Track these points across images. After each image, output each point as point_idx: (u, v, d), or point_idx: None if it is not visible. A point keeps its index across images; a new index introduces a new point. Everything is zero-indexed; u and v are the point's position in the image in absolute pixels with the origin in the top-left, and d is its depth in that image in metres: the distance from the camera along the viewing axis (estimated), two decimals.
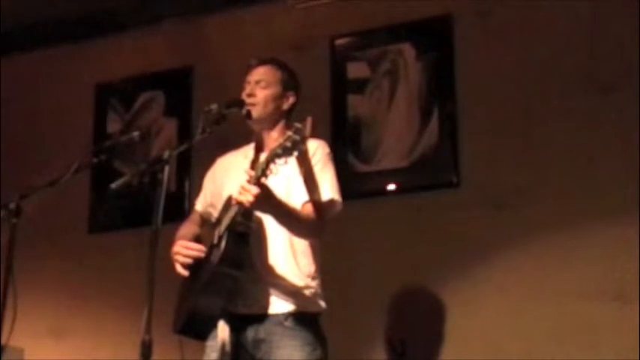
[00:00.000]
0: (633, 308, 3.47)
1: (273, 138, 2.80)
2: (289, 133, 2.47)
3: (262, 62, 2.99)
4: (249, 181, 2.56)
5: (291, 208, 2.74)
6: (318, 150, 2.84)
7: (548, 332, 3.60)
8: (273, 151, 2.49)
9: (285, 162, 2.48)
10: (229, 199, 2.74)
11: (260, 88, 2.92)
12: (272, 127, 2.93)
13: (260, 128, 2.94)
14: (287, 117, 2.95)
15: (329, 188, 2.81)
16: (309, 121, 2.48)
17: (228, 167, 3.01)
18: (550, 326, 3.61)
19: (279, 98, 2.94)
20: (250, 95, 2.91)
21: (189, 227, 3.04)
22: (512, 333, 3.66)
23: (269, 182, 2.60)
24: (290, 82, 2.99)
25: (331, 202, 2.81)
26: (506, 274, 3.77)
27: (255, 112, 2.90)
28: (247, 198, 2.55)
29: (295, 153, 2.46)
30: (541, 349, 3.58)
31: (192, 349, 2.81)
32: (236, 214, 2.64)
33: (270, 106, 2.92)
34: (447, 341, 3.78)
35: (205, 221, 3.03)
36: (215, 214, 2.91)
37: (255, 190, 2.54)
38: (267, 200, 2.61)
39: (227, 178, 2.93)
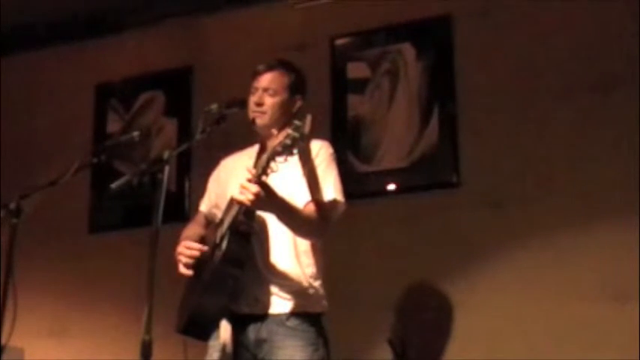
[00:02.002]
0: (633, 308, 3.47)
1: (279, 136, 2.79)
2: (289, 130, 2.47)
3: (269, 68, 2.96)
4: (250, 180, 2.56)
5: (293, 207, 2.73)
6: (321, 150, 2.85)
7: (548, 332, 3.60)
8: (273, 149, 2.50)
9: (285, 159, 2.48)
10: (232, 199, 2.73)
11: (268, 96, 2.91)
12: (278, 130, 2.92)
13: (267, 132, 2.92)
14: (293, 118, 2.94)
15: (332, 188, 2.81)
16: (308, 118, 2.48)
17: (232, 168, 3.01)
18: (550, 326, 3.61)
19: (286, 104, 2.93)
20: (259, 104, 2.90)
21: (193, 228, 3.04)
22: (512, 333, 3.66)
23: (272, 182, 2.60)
24: (297, 85, 2.97)
25: (334, 202, 2.81)
26: (506, 274, 3.77)
27: (263, 121, 2.89)
28: (247, 197, 2.55)
29: (295, 150, 2.46)
30: (541, 349, 3.58)
31: (195, 349, 2.81)
32: (237, 213, 2.64)
33: (278, 114, 2.91)
34: (447, 341, 3.78)
35: (210, 222, 3.03)
36: (219, 214, 2.90)
37: (255, 188, 2.54)
38: (269, 199, 2.60)
39: (231, 179, 2.92)
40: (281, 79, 2.94)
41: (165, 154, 2.59)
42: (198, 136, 2.78)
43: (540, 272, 3.69)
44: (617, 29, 3.80)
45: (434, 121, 4.05)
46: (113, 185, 2.64)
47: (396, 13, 4.24)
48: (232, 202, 2.71)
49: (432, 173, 4.01)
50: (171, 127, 4.68)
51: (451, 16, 4.12)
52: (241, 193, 2.56)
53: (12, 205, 2.87)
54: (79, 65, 5.00)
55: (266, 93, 2.91)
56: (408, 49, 4.18)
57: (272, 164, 2.51)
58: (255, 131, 2.95)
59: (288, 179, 2.74)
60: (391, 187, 4.10)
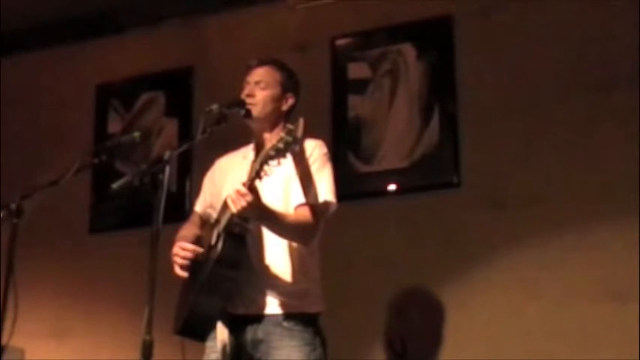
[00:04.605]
0: (633, 308, 3.47)
1: (272, 139, 2.79)
2: (281, 134, 2.48)
3: (262, 63, 2.99)
4: (243, 184, 2.55)
5: (281, 214, 2.72)
6: (315, 150, 2.84)
7: (548, 332, 3.61)
8: (266, 153, 2.50)
9: (278, 163, 2.48)
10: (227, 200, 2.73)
11: (259, 89, 2.92)
12: (271, 128, 2.92)
13: (259, 129, 2.93)
14: (286, 118, 2.94)
15: (325, 189, 2.80)
16: (301, 121, 2.48)
17: (227, 168, 3.01)
18: (550, 326, 3.61)
19: (278, 99, 2.94)
20: (249, 96, 2.91)
21: (189, 228, 3.04)
22: (512, 333, 3.67)
23: (267, 186, 2.59)
24: (290, 83, 2.98)
25: (325, 204, 2.80)
26: (506, 274, 3.77)
27: (254, 113, 2.90)
28: (239, 204, 2.54)
29: (288, 154, 2.47)
30: (541, 349, 3.58)
31: (193, 349, 2.81)
32: (233, 214, 2.64)
33: (269, 107, 2.92)
34: (446, 341, 3.78)
35: (205, 222, 3.03)
36: (214, 214, 2.90)
37: (247, 197, 2.53)
38: (257, 208, 2.60)
39: (226, 179, 2.93)
40: (273, 74, 2.96)
41: (166, 155, 2.59)
42: (198, 137, 2.78)
43: (540, 272, 3.69)
44: (617, 29, 3.80)
45: (434, 122, 4.05)
46: (114, 185, 2.64)
47: (396, 13, 4.24)
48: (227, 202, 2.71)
49: (432, 173, 4.01)
50: (171, 127, 4.68)
51: (451, 16, 4.12)
52: (233, 201, 2.56)
53: (13, 206, 2.87)
54: (79, 65, 5.01)
55: (257, 86, 2.92)
56: (408, 50, 4.19)
57: (265, 168, 2.51)
58: (248, 125, 2.94)
59: (280, 181, 2.75)
60: (392, 187, 4.10)
